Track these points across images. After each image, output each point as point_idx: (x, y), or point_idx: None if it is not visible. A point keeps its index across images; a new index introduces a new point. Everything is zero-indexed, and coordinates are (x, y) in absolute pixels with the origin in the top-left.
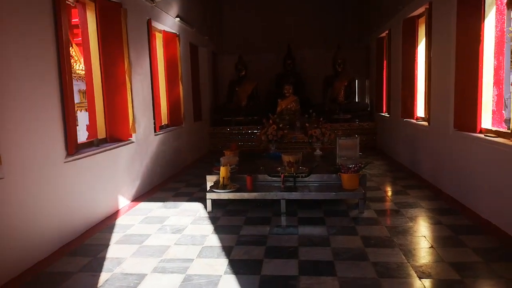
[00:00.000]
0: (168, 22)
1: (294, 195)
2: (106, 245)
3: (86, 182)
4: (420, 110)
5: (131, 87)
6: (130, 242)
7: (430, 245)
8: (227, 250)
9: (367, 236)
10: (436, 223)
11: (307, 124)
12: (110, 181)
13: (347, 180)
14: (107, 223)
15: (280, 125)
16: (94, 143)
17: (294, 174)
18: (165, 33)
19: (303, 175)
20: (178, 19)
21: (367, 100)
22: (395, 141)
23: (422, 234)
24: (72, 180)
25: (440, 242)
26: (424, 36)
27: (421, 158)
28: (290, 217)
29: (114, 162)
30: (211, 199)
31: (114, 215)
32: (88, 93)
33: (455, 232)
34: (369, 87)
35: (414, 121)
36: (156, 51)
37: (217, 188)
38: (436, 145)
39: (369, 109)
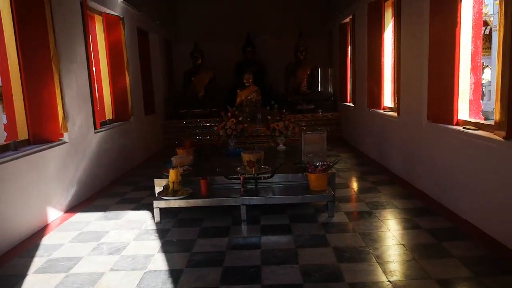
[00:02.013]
0: (110, 3)
1: (255, 200)
2: (22, 276)
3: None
4: (387, 99)
5: (60, 77)
6: (54, 269)
7: (411, 257)
8: (175, 276)
9: (340, 247)
10: (414, 227)
11: (269, 117)
12: (34, 191)
13: (314, 181)
14: (30, 243)
15: (240, 118)
16: (10, 146)
17: (255, 175)
18: (106, 15)
19: (266, 175)
20: (121, 0)
21: (330, 89)
22: (361, 132)
23: (400, 242)
24: None
25: (422, 251)
26: (391, 20)
27: (391, 152)
28: (251, 226)
29: (40, 168)
30: (159, 208)
31: (40, 233)
32: (4, 86)
33: (436, 238)
34: (333, 76)
35: (382, 111)
36: (96, 37)
37: (166, 195)
38: (408, 138)
39: (332, 98)
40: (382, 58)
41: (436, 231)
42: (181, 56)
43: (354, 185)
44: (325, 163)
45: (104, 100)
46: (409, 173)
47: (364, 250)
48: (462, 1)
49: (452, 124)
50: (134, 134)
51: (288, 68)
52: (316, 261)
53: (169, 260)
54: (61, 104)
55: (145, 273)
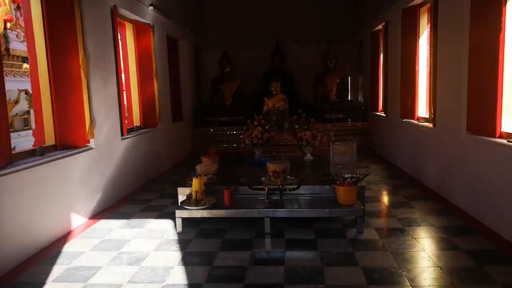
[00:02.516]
0: (140, 11)
1: (280, 212)
2: (40, 284)
3: (24, 201)
4: (421, 109)
5: (88, 84)
6: (72, 278)
7: (449, 281)
8: None
9: (370, 267)
10: (451, 248)
11: (296, 126)
12: (59, 197)
13: (343, 194)
14: (52, 250)
15: (266, 127)
16: (37, 152)
17: (281, 186)
18: (136, 23)
19: (291, 187)
20: (151, 7)
21: (360, 99)
22: (393, 143)
23: (437, 264)
24: (2, 199)
25: (461, 276)
26: (427, 27)
27: (425, 164)
28: (275, 239)
29: (66, 174)
30: (182, 218)
31: (63, 239)
32: (34, 92)
33: (477, 261)
34: (363, 85)
35: (416, 122)
36: (126, 44)
37: (189, 204)
38: (444, 150)
39: (363, 108)
40: (417, 66)
41: (477, 253)
42: (210, 64)
43: (385, 199)
44: (354, 175)
45: (132, 107)
46: (445, 188)
47: (396, 272)
48: (507, 4)
49: (495, 137)
50: (161, 141)
51: (317, 76)
52: (343, 281)
53: (188, 273)
54: (88, 110)
55: (163, 286)
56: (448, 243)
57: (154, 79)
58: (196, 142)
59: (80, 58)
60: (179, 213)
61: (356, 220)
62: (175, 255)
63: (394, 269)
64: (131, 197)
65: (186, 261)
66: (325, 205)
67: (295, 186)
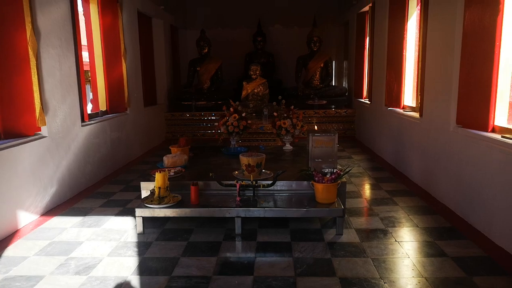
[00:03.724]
0: None
1: (252, 212)
2: None
3: None
4: (408, 98)
5: (38, 64)
6: None
7: None
8: None
9: (348, 277)
10: (438, 254)
11: (275, 114)
12: (3, 192)
13: (322, 192)
14: None
15: (243, 114)
16: None
17: (254, 182)
18: None
19: (266, 183)
20: None
21: (345, 84)
22: (377, 132)
23: (422, 274)
24: None
25: None
26: (417, 8)
27: (410, 157)
28: (246, 242)
29: (11, 166)
30: (142, 217)
31: (6, 240)
32: None
33: (465, 271)
34: (348, 70)
35: (401, 111)
36: (90, 20)
37: (151, 201)
38: (431, 143)
39: (347, 94)
40: (404, 50)
41: (465, 261)
42: (189, 44)
43: (367, 193)
44: (335, 171)
45: (98, 90)
46: (431, 184)
47: (377, 284)
48: None
49: (487, 131)
50: (130, 127)
51: (300, 60)
52: None
53: (143, 286)
54: (38, 94)
55: None
56: (434, 248)
57: (122, 59)
58: (172, 128)
59: (28, 34)
60: (140, 212)
61: (335, 220)
62: (131, 261)
63: (376, 281)
64: (92, 190)
65: (142, 269)
66: (302, 204)
67: (270, 182)
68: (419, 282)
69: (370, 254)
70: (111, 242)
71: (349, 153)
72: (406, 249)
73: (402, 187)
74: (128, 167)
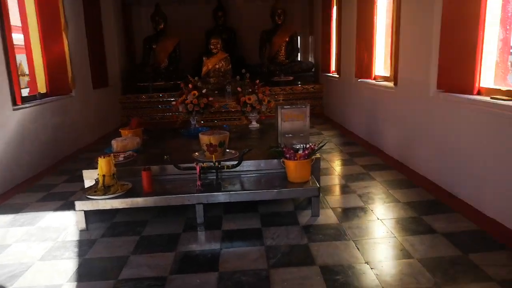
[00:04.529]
0: None
1: (215, 197)
2: None
3: None
4: (379, 68)
5: None
6: None
7: (432, 281)
8: None
9: (330, 265)
10: (427, 231)
11: (239, 89)
12: None
13: (294, 170)
14: None
15: (204, 91)
16: None
17: (217, 164)
18: None
19: (230, 163)
20: None
21: (311, 59)
22: (347, 107)
23: (413, 255)
24: None
25: (446, 271)
26: None
27: (385, 129)
28: (209, 232)
29: None
30: (84, 211)
31: None
32: None
33: (459, 248)
34: (314, 44)
35: (373, 81)
36: None
37: (95, 192)
38: (408, 112)
39: (313, 70)
40: (375, 17)
41: (457, 236)
42: (144, 23)
43: (341, 170)
44: (308, 146)
45: (35, 70)
46: (409, 156)
47: (364, 270)
48: None
49: (472, 94)
50: (77, 111)
51: (264, 35)
52: None
53: None
54: None
55: None
56: (421, 224)
57: (64, 35)
58: (127, 112)
59: None
60: (80, 205)
61: (310, 200)
62: (68, 265)
63: (361, 266)
64: (31, 183)
65: (81, 274)
66: (273, 185)
67: (235, 163)
68: (411, 265)
69: (351, 236)
70: (46, 242)
71: (319, 130)
72: (390, 227)
73: (378, 161)
74: (75, 155)
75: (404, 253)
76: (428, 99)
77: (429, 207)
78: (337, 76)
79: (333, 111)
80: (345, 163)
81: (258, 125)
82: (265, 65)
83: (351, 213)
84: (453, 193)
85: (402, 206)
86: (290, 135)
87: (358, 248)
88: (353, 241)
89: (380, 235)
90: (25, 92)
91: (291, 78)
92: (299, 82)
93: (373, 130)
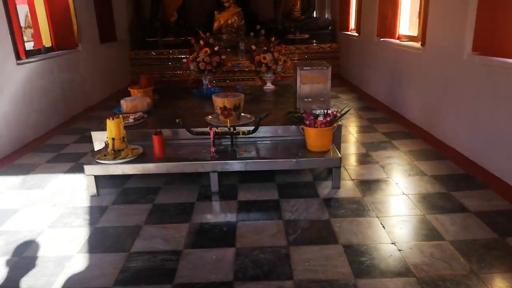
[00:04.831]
0: None
1: (231, 165)
2: None
3: None
4: (404, 26)
5: None
6: None
7: (469, 268)
8: None
9: (354, 244)
10: (458, 209)
11: (253, 47)
12: None
13: (314, 138)
14: None
15: (216, 48)
16: None
17: (231, 129)
18: None
19: (246, 129)
20: None
21: (327, 16)
22: (367, 68)
23: (445, 237)
24: None
25: (483, 256)
26: None
27: (408, 94)
28: (225, 202)
29: None
30: (94, 176)
31: None
32: None
33: (495, 230)
34: None
35: (397, 41)
36: None
37: (104, 156)
38: (436, 76)
39: (330, 27)
40: None
41: (492, 217)
42: None
43: (360, 137)
44: (329, 112)
45: (39, 22)
46: (436, 125)
47: (391, 253)
48: None
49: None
50: (85, 66)
51: None
52: (320, 273)
53: (90, 270)
54: None
55: None
56: (450, 201)
57: None
58: (136, 69)
59: None
60: (90, 170)
61: (330, 170)
62: (79, 234)
63: (387, 247)
64: (39, 143)
65: (92, 244)
66: (291, 153)
67: (251, 129)
68: (442, 248)
69: (376, 212)
70: (56, 208)
71: (336, 92)
72: (417, 203)
73: (400, 128)
74: (86, 114)
75: (434, 234)
76: (461, 62)
77: (458, 182)
78: (357, 34)
79: (351, 72)
80: (365, 129)
81: (273, 86)
82: (279, 21)
83: (374, 186)
84: (486, 167)
85: (428, 179)
86: (310, 99)
87: (383, 226)
88: (378, 218)
89: (407, 212)
90: (29, 46)
91: (306, 36)
92: (315, 41)
93: (395, 95)
